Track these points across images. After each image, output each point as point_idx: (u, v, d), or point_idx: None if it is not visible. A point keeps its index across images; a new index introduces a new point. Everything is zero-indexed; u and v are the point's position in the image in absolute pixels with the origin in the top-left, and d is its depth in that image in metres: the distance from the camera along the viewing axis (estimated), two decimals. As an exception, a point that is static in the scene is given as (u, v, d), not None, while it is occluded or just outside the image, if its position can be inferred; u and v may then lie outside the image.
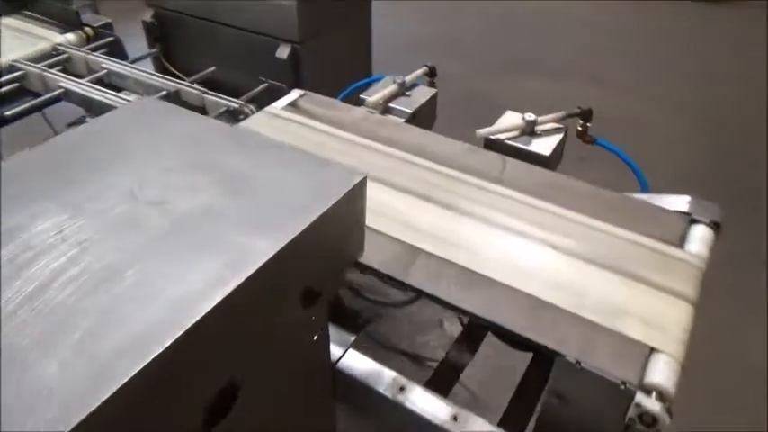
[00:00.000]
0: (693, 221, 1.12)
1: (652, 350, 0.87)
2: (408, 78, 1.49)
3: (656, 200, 1.21)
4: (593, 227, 1.09)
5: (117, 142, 0.93)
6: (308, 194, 0.84)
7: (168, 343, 0.61)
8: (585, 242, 1.06)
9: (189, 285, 0.68)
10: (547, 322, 0.90)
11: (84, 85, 1.52)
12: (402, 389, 0.97)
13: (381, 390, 0.98)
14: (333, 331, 1.06)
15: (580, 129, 1.44)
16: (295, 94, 1.46)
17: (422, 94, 1.50)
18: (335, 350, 1.03)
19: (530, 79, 4.18)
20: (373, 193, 0.96)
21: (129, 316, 0.64)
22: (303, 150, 0.93)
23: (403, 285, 0.98)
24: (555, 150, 1.32)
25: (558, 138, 1.34)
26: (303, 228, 0.77)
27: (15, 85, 1.62)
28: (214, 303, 0.66)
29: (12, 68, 1.63)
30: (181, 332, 0.62)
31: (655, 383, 0.82)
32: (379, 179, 1.19)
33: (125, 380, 0.58)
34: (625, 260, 1.02)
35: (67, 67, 1.71)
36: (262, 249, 0.73)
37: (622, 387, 0.82)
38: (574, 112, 1.39)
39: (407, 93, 1.48)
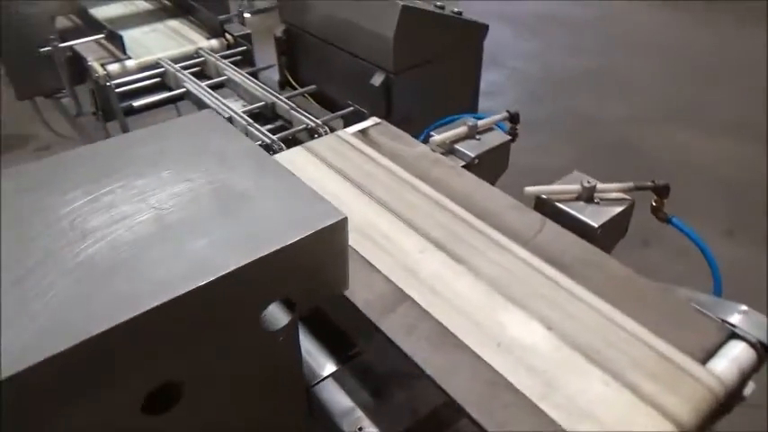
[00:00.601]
0: (734, 336, 0.97)
1: (597, 465, 0.79)
2: (481, 122, 1.47)
3: (714, 304, 1.06)
4: (604, 314, 1.00)
5: (158, 147, 1.06)
6: (287, 223, 0.89)
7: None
8: (587, 330, 0.97)
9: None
10: (497, 404, 0.86)
11: (201, 88, 1.73)
12: (360, 429, 0.99)
13: (344, 427, 1.01)
14: (320, 355, 1.10)
15: (654, 204, 1.30)
16: (370, 121, 1.52)
17: (493, 140, 1.47)
18: (316, 372, 1.08)
19: (687, 131, 3.83)
20: (392, 231, 0.98)
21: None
22: (306, 185, 0.98)
23: (376, 329, 0.99)
24: (608, 223, 1.22)
25: (616, 210, 1.24)
26: (266, 252, 0.83)
27: (157, 79, 1.89)
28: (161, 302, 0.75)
29: (157, 65, 1.90)
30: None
31: (585, 502, 0.75)
32: (406, 219, 1.20)
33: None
34: (623, 361, 0.92)
35: (204, 69, 1.95)
36: (221, 264, 0.81)
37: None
38: (645, 185, 1.27)
39: (477, 137, 1.46)
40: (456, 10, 1.80)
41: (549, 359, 0.93)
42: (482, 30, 1.84)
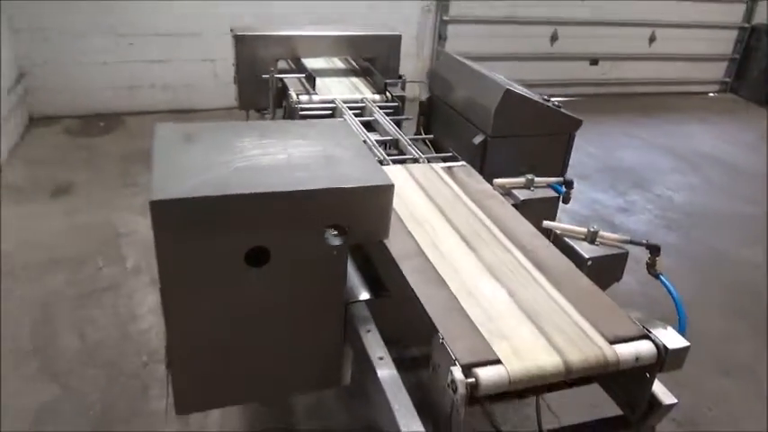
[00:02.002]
0: (648, 338, 1.30)
1: (498, 361, 1.18)
2: (537, 179, 1.92)
3: (655, 324, 1.37)
4: (556, 301, 1.39)
5: (305, 131, 1.69)
6: (356, 179, 1.44)
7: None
8: (537, 304, 1.37)
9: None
10: (451, 319, 1.29)
11: (354, 120, 2.40)
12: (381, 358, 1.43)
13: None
14: (360, 285, 1.61)
15: (648, 261, 1.64)
16: (458, 163, 2.05)
17: (543, 193, 1.90)
18: (355, 295, 1.58)
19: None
20: (437, 224, 1.50)
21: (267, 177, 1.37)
22: (379, 165, 1.54)
23: (396, 265, 1.47)
24: (598, 259, 1.59)
25: (608, 252, 1.61)
26: (336, 186, 1.39)
27: (329, 111, 2.62)
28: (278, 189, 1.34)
29: (332, 102, 2.63)
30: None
31: (475, 372, 1.15)
32: (450, 220, 1.69)
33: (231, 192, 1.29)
34: (551, 324, 1.31)
35: (362, 111, 2.64)
36: (308, 184, 1.38)
37: (454, 359, 1.17)
38: (639, 242, 1.62)
39: (532, 188, 1.91)
40: (556, 102, 2.29)
41: (500, 310, 1.34)
42: (574, 121, 2.30)
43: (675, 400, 1.34)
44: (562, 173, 2.40)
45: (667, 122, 6.82)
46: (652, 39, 7.33)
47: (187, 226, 1.32)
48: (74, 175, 4.27)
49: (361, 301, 1.58)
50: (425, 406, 1.31)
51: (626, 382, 1.37)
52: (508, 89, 2.14)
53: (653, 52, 7.39)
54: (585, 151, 5.74)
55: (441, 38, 6.35)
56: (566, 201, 1.94)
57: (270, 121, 1.73)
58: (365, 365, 1.41)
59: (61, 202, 3.97)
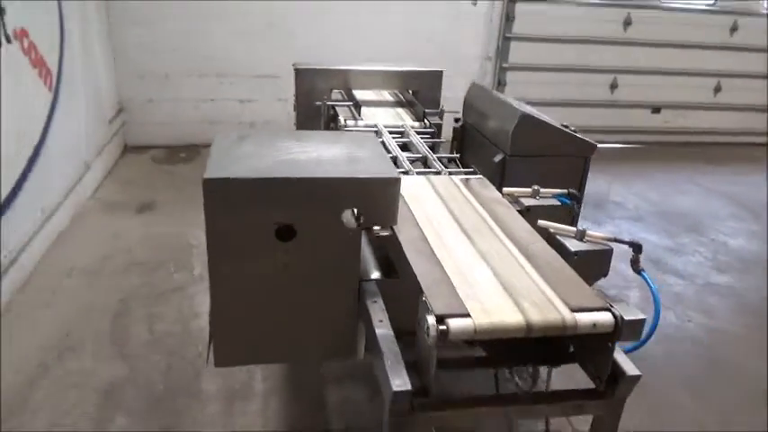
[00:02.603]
0: (608, 310, 1.49)
1: (467, 315, 1.41)
2: (543, 190, 2.14)
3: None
4: (534, 280, 1.60)
5: (336, 138, 2.02)
6: (372, 172, 1.74)
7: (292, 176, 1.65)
8: (516, 280, 1.59)
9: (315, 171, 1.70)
10: (436, 286, 1.54)
11: (392, 143, 2.71)
12: (381, 321, 1.70)
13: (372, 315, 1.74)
14: (374, 267, 1.88)
15: (632, 258, 1.82)
16: (476, 176, 2.31)
17: (548, 202, 2.12)
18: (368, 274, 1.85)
19: None
20: (444, 221, 1.79)
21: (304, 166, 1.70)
22: (392, 165, 1.83)
23: (400, 246, 1.74)
24: (583, 254, 1.79)
25: (593, 248, 1.80)
26: (355, 176, 1.69)
27: (372, 133, 2.95)
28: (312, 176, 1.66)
29: (374, 126, 2.96)
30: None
31: (447, 321, 1.38)
32: (457, 219, 1.95)
33: (271, 176, 1.63)
34: (522, 292, 1.52)
35: (402, 134, 2.95)
36: (333, 174, 1.69)
37: (431, 311, 1.41)
38: (622, 239, 1.81)
39: (538, 197, 2.14)
40: (573, 129, 2.52)
41: (482, 284, 1.58)
42: (589, 146, 2.51)
43: (639, 373, 1.51)
44: (579, 194, 2.60)
45: (731, 172, 6.74)
46: (717, 89, 7.33)
47: (230, 202, 1.66)
48: (156, 195, 4.86)
49: (372, 279, 1.85)
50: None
51: (594, 356, 1.55)
52: (524, 113, 2.39)
53: (718, 102, 7.37)
54: (643, 196, 5.80)
55: (500, 83, 6.67)
56: (571, 213, 2.14)
57: (311, 131, 2.05)
58: (368, 327, 1.67)
59: (144, 216, 4.52)
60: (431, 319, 1.38)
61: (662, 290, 4.10)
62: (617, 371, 1.53)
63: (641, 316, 1.47)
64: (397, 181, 1.72)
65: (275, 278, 1.77)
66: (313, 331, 1.86)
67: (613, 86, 7.06)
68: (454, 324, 1.39)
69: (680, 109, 7.32)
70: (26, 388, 2.75)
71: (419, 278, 1.57)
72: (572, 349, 1.66)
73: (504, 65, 6.63)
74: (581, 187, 2.59)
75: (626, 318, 1.46)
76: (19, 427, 2.52)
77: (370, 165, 1.81)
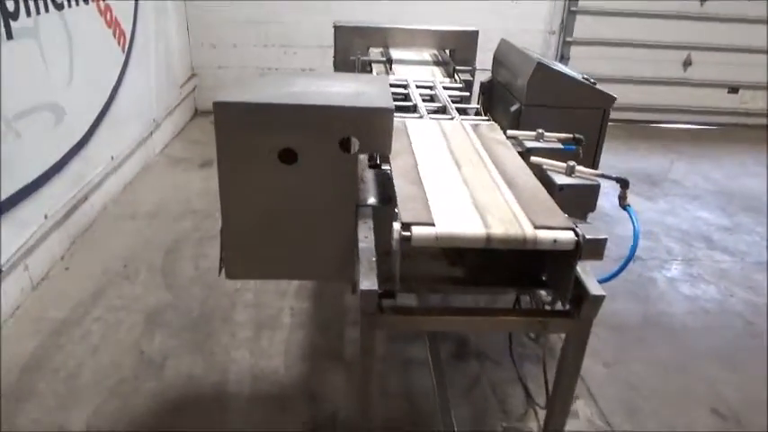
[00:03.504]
0: (573, 231, 1.56)
1: (432, 224, 1.53)
2: (548, 134, 2.19)
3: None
4: (509, 203, 1.69)
5: (353, 77, 2.17)
6: (369, 104, 1.87)
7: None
8: (490, 200, 1.68)
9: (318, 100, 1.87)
10: (410, 202, 1.66)
11: (415, 95, 2.82)
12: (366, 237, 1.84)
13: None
14: (370, 193, 2.02)
15: (620, 195, 1.85)
16: (486, 122, 2.39)
17: (551, 145, 2.17)
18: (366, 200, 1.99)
19: None
20: (442, 154, 1.89)
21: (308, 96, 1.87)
22: (390, 97, 1.96)
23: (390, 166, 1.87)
24: (568, 188, 1.85)
25: (579, 182, 1.85)
26: (354, 105, 1.83)
27: (402, 89, 3.07)
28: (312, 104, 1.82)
29: (405, 80, 3.08)
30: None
31: (411, 228, 1.51)
32: (453, 152, 2.05)
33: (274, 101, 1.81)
34: (491, 210, 1.62)
35: (430, 88, 3.05)
36: (337, 103, 1.84)
37: (397, 217, 1.54)
38: (610, 175, 1.84)
39: (542, 141, 2.19)
40: (592, 80, 2.53)
41: (457, 203, 1.68)
42: (607, 98, 2.51)
43: (603, 293, 1.57)
44: (597, 146, 2.62)
45: (811, 156, 6.32)
46: (802, 68, 6.85)
47: (237, 126, 1.84)
48: (217, 153, 5.21)
49: (368, 205, 1.99)
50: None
51: (560, 277, 1.63)
52: (540, 62, 2.44)
53: (803, 82, 6.89)
54: (706, 176, 5.58)
55: (563, 58, 6.55)
56: (576, 157, 2.17)
57: (329, 72, 2.20)
58: (356, 243, 1.82)
59: (205, 171, 4.88)
60: (396, 225, 1.51)
61: (707, 266, 3.99)
62: (583, 292, 1.59)
63: (603, 236, 1.53)
64: (388, 111, 1.85)
65: (279, 199, 1.95)
66: (314, 252, 2.03)
67: (687, 64, 6.76)
68: (417, 231, 1.51)
69: (759, 90, 6.91)
70: (87, 305, 3.11)
71: (397, 195, 1.69)
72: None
73: (568, 39, 6.50)
74: (599, 140, 2.61)
75: (587, 236, 1.52)
76: (80, 334, 2.88)
77: (370, 98, 1.94)
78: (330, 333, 3.01)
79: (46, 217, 3.27)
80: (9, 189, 2.90)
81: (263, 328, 3.02)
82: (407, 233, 1.50)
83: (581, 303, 1.60)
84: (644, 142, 6.31)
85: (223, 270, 2.10)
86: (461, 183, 1.81)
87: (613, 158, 5.75)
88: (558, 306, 1.69)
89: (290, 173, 1.91)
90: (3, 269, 2.86)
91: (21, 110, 3.01)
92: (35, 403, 2.47)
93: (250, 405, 2.54)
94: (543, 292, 1.81)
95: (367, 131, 1.86)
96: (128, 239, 3.79)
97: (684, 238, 4.36)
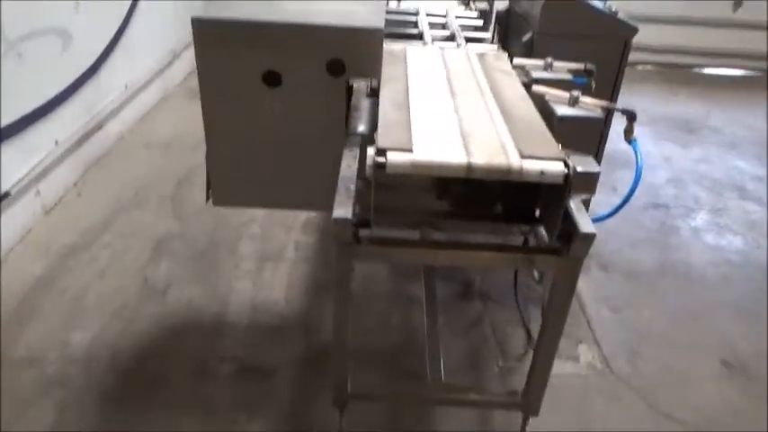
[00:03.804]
0: (563, 162, 1.45)
1: (410, 150, 1.44)
2: (556, 63, 2.05)
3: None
4: (499, 133, 1.58)
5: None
6: (357, 23, 1.76)
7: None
8: (480, 129, 1.58)
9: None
10: (393, 128, 1.57)
11: (423, 23, 2.67)
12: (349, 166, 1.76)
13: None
14: (361, 123, 1.93)
15: (626, 128, 1.72)
16: (492, 50, 2.24)
17: (559, 76, 2.03)
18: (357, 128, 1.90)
19: None
20: (438, 80, 1.79)
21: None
22: (383, 18, 1.83)
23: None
24: (569, 119, 1.72)
25: (581, 113, 1.72)
26: (341, 24, 1.72)
27: (411, 17, 2.91)
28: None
29: (416, 9, 2.92)
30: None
31: (387, 154, 1.42)
32: (451, 80, 1.93)
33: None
34: (477, 140, 1.52)
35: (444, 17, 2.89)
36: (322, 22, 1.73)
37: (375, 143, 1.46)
38: (616, 107, 1.71)
39: (550, 71, 2.05)
40: (614, 9, 2.34)
41: (442, 130, 1.58)
42: (629, 28, 2.32)
43: (594, 231, 1.47)
44: (615, 82, 2.45)
45: None
46: None
47: (216, 44, 1.76)
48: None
49: (358, 133, 1.90)
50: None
51: (551, 212, 1.54)
52: (554, -12, 2.26)
53: None
54: (747, 125, 5.26)
55: (603, -6, 6.16)
56: (586, 90, 2.02)
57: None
58: (338, 171, 1.75)
59: (221, 104, 4.83)
60: (370, 150, 1.43)
61: (736, 216, 3.80)
62: (573, 229, 1.50)
63: (595, 169, 1.42)
64: (377, 32, 1.73)
65: (264, 124, 1.88)
66: (300, 180, 1.97)
67: (737, 4, 6.28)
68: (392, 157, 1.42)
69: (816, 32, 6.39)
70: (97, 231, 3.16)
71: (380, 120, 1.60)
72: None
73: (610, -27, 6.09)
74: (618, 75, 2.44)
75: (578, 169, 1.42)
76: (87, 259, 2.93)
77: (360, 19, 1.82)
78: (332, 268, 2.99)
79: (56, 143, 3.28)
80: (14, 113, 2.90)
81: (267, 260, 3.02)
82: (382, 159, 1.42)
83: (571, 241, 1.52)
84: (684, 87, 5.97)
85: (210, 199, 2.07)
86: (452, 111, 1.70)
87: (649, 102, 5.47)
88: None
89: (275, 96, 1.83)
90: (11, 193, 2.90)
91: (25, 32, 2.96)
92: (41, 321, 2.54)
93: (248, 333, 2.56)
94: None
95: (353, 54, 1.76)
96: (141, 168, 3.81)
97: (715, 187, 4.15)
